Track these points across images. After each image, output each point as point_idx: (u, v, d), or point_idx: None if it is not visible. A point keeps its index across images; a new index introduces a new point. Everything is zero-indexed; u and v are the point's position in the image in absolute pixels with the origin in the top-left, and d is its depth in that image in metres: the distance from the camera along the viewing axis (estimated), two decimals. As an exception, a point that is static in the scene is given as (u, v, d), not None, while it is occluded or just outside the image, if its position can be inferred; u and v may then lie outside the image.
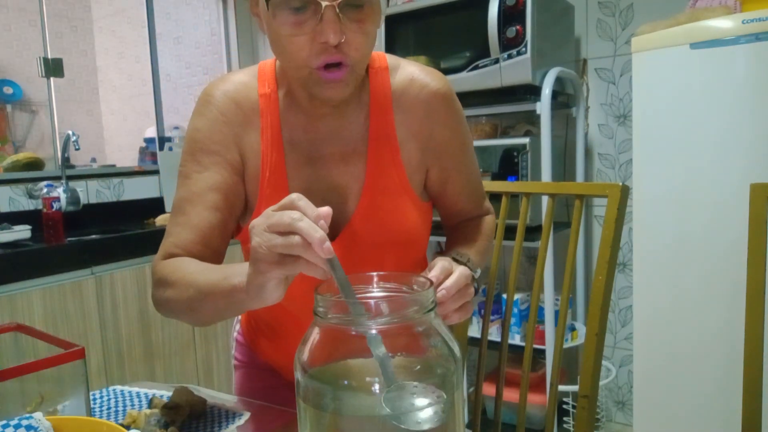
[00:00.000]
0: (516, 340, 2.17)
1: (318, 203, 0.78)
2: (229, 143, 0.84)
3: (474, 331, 2.22)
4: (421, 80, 0.86)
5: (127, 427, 0.76)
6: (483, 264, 0.92)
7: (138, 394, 0.93)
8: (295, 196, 0.57)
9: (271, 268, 0.56)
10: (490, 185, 1.17)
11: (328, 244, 0.54)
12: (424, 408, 0.47)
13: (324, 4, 0.68)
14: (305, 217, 0.55)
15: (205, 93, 0.86)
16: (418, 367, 0.49)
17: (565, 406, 2.20)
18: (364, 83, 0.85)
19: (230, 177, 0.83)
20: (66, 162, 2.42)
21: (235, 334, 1.12)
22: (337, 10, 0.68)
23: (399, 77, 0.86)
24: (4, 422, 0.57)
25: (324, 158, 0.85)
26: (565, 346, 2.10)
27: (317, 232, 0.54)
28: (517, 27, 1.93)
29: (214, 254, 0.83)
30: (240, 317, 1.11)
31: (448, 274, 0.67)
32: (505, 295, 2.24)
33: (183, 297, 0.73)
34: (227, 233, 0.85)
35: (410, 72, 0.86)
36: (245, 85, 0.86)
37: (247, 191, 0.86)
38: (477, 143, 2.17)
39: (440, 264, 0.69)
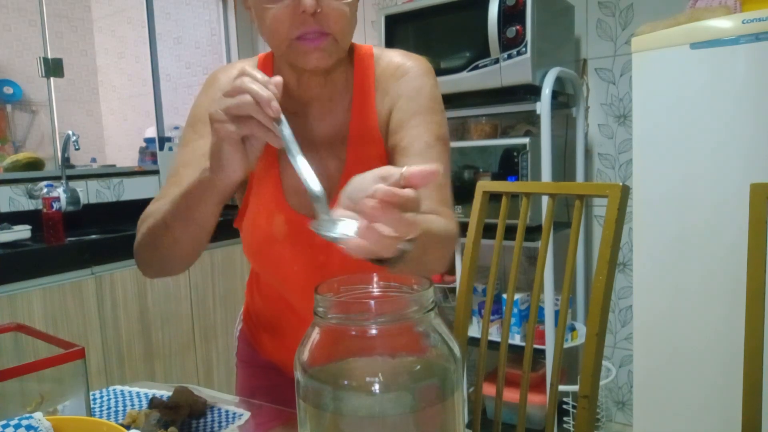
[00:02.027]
0: (516, 340, 2.17)
1: None
2: None
3: (474, 331, 2.22)
4: (399, 61, 0.89)
5: (127, 427, 0.76)
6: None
7: (138, 394, 0.93)
8: (248, 68, 0.62)
9: (225, 127, 0.62)
10: (491, 185, 1.17)
11: (275, 103, 0.59)
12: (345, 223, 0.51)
13: None
14: (256, 81, 0.60)
15: (211, 75, 0.93)
16: (418, 367, 0.49)
17: (565, 406, 2.20)
18: (350, 68, 0.88)
19: None
20: (66, 162, 2.42)
21: (237, 333, 1.12)
22: None
23: (383, 63, 0.89)
24: (4, 422, 0.57)
25: (314, 142, 0.88)
26: (565, 346, 2.10)
27: (265, 92, 0.59)
28: (517, 27, 1.93)
29: None
30: (242, 315, 1.11)
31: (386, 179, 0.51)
32: (505, 295, 2.24)
33: (159, 218, 0.77)
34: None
35: (392, 56, 0.90)
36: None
37: None
38: (477, 143, 2.18)
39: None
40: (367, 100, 0.87)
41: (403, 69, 0.88)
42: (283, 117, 0.61)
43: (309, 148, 0.87)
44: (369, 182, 0.51)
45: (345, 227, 0.51)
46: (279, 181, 0.88)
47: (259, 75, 0.62)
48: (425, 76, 0.88)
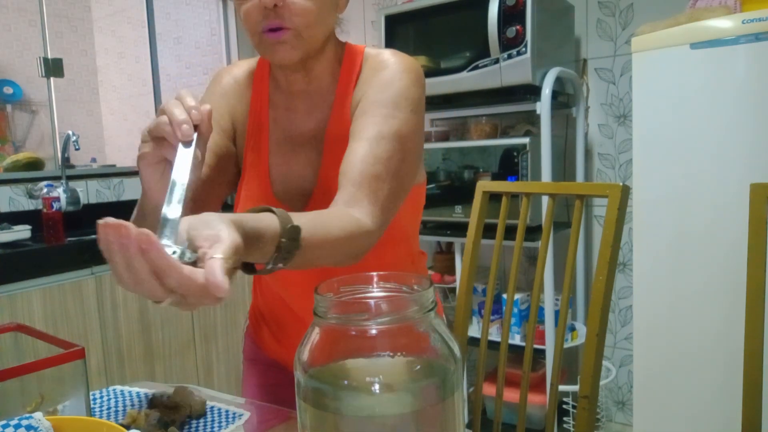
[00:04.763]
0: (516, 340, 2.17)
1: (295, 178, 0.87)
2: (224, 112, 0.92)
3: (474, 331, 2.22)
4: (384, 58, 0.88)
5: (127, 427, 0.76)
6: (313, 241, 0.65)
7: (138, 394, 0.93)
8: (183, 91, 0.63)
9: (142, 147, 0.62)
10: (491, 185, 1.17)
11: (186, 127, 0.58)
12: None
13: None
14: (180, 105, 0.60)
15: (215, 74, 0.97)
16: (418, 367, 0.49)
17: (565, 406, 2.20)
18: (338, 66, 0.89)
19: (221, 140, 0.90)
20: (66, 162, 2.42)
21: (244, 330, 1.14)
22: None
23: (370, 60, 0.89)
24: (4, 422, 0.57)
25: (301, 136, 0.90)
26: (565, 346, 2.10)
27: (181, 115, 0.59)
28: (517, 27, 1.93)
29: (195, 206, 0.85)
30: (249, 313, 1.12)
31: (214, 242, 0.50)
32: (505, 295, 2.24)
33: (135, 212, 0.77)
34: (214, 192, 0.89)
35: (381, 53, 0.89)
36: (248, 68, 0.95)
37: (237, 157, 0.93)
38: (477, 143, 2.18)
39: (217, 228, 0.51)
40: (346, 96, 0.87)
41: (384, 64, 0.86)
42: (194, 143, 0.59)
43: (295, 142, 0.90)
44: (208, 231, 0.50)
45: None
46: (267, 172, 0.90)
47: (189, 99, 0.61)
48: (402, 73, 0.84)
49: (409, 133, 0.81)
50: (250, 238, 0.56)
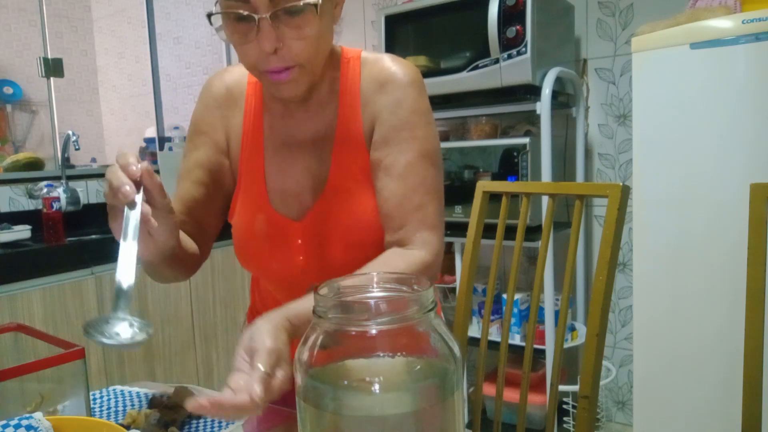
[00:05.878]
0: (516, 340, 2.17)
1: (292, 185, 0.87)
2: (217, 125, 0.91)
3: (474, 331, 2.22)
4: (384, 66, 0.87)
5: (127, 427, 0.76)
6: None
7: (138, 394, 0.93)
8: (122, 151, 0.63)
9: (109, 218, 0.64)
10: (491, 185, 1.17)
11: (127, 188, 0.59)
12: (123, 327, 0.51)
13: (257, 16, 0.71)
14: (118, 169, 0.61)
15: (206, 82, 0.95)
16: (418, 367, 0.49)
17: (565, 406, 2.20)
18: (336, 72, 0.88)
19: (214, 155, 0.90)
20: (66, 162, 2.42)
21: (242, 330, 1.14)
22: (270, 21, 0.71)
23: (369, 67, 0.88)
24: (4, 422, 0.57)
25: (298, 144, 0.89)
26: (565, 346, 2.10)
27: (118, 180, 0.60)
28: (517, 27, 1.93)
29: (195, 224, 0.89)
30: (247, 313, 1.12)
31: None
32: (505, 295, 2.24)
33: None
34: (213, 207, 0.91)
35: (379, 61, 0.88)
36: (240, 74, 0.93)
37: (233, 169, 0.93)
38: (477, 143, 2.18)
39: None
40: (353, 105, 0.86)
41: (386, 76, 0.86)
42: (138, 204, 0.60)
43: (295, 148, 0.89)
44: (250, 344, 0.57)
45: (126, 331, 0.51)
46: (263, 180, 0.89)
47: (124, 158, 0.62)
48: (408, 87, 0.85)
49: (431, 146, 0.84)
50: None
